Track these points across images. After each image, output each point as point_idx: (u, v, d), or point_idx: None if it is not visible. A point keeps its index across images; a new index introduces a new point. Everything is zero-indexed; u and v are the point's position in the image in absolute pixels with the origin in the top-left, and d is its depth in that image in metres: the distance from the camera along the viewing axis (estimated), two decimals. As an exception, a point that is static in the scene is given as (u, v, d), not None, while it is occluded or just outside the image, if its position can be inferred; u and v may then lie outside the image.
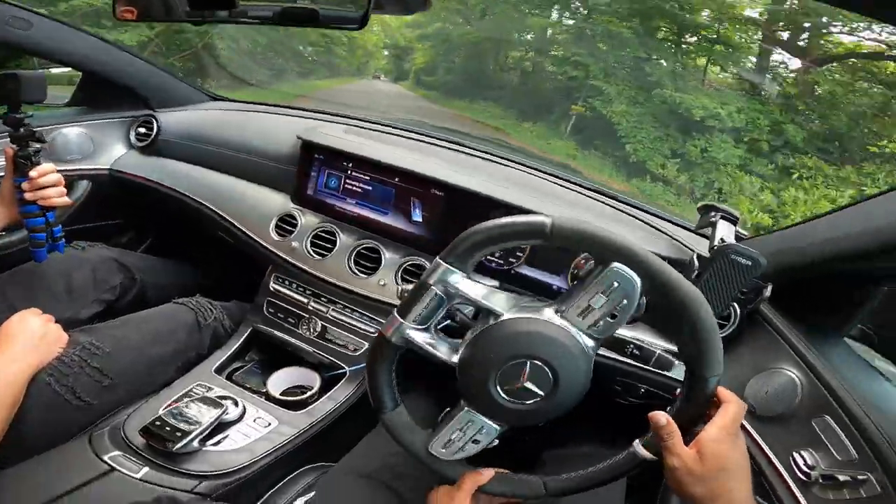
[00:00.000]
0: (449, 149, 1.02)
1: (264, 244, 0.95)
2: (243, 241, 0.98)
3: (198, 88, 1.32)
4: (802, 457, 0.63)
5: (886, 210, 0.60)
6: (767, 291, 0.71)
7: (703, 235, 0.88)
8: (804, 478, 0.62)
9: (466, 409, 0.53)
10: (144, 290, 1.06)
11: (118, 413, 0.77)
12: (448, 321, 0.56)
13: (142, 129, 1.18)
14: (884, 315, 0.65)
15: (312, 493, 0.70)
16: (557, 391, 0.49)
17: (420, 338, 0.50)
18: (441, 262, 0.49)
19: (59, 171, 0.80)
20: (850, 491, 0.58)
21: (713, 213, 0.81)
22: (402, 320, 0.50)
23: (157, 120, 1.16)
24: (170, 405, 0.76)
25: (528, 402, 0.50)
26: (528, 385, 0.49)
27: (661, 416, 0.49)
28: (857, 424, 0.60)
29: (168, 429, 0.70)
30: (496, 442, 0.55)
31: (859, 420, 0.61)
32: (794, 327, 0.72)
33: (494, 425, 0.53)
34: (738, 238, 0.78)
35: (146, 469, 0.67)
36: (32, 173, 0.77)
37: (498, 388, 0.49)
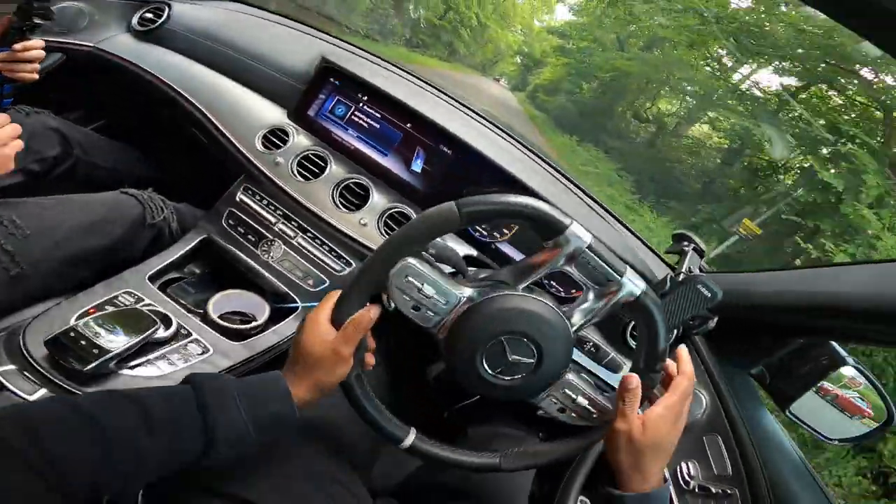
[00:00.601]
0: (477, 120, 0.99)
1: (245, 151, 0.86)
2: (220, 144, 0.88)
3: None
4: (688, 466, 0.71)
5: (827, 280, 0.69)
6: (713, 323, 0.75)
7: (667, 263, 0.92)
8: (684, 486, 0.70)
9: None
10: (76, 166, 0.92)
11: (16, 315, 0.64)
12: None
13: (149, 15, 1.07)
14: (782, 365, 0.76)
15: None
16: (542, 367, 0.50)
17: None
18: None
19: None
20: (716, 502, 0.67)
21: (686, 243, 0.86)
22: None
23: (170, 7, 1.06)
24: (87, 313, 0.63)
25: (515, 378, 0.50)
26: (516, 359, 0.49)
27: (634, 379, 0.51)
28: (740, 446, 0.70)
29: (83, 343, 0.57)
30: None
31: (742, 441, 0.70)
32: (716, 357, 0.80)
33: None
34: (701, 270, 0.85)
35: (42, 391, 0.54)
36: (17, 46, 0.70)
37: (485, 364, 0.49)
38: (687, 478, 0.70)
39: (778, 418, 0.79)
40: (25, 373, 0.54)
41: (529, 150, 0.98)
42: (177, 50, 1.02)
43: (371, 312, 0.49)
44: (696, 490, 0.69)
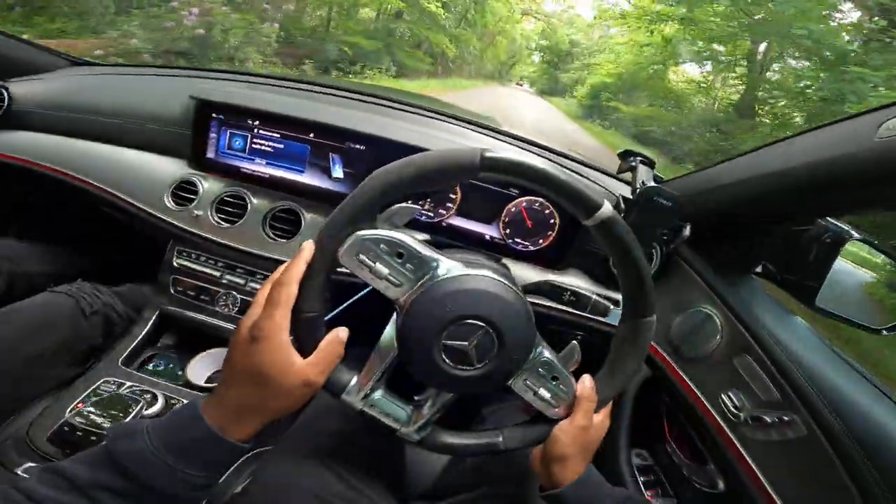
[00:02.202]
0: (370, 102, 0.95)
1: (159, 215, 0.83)
2: (134, 216, 0.85)
3: (60, 54, 1.12)
4: (730, 398, 0.65)
5: (784, 156, 0.62)
6: (686, 231, 0.74)
7: (623, 181, 0.92)
8: (733, 419, 0.64)
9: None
10: (13, 281, 0.89)
11: (14, 420, 0.67)
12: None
13: None
14: (786, 257, 0.70)
15: (248, 480, 0.65)
16: (503, 352, 0.46)
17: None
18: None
19: None
20: (777, 432, 0.60)
21: (632, 158, 0.83)
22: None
23: (6, 90, 0.96)
24: (75, 407, 0.66)
25: (477, 367, 0.47)
26: (472, 350, 0.46)
27: (588, 382, 0.52)
28: (777, 365, 0.61)
29: (80, 433, 0.62)
30: None
31: (778, 360, 0.61)
32: (709, 266, 0.75)
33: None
34: (657, 180, 0.80)
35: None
36: None
37: (443, 354, 0.46)
38: (734, 410, 0.64)
39: (807, 319, 0.68)
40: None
41: (448, 116, 0.95)
42: (40, 129, 0.95)
43: (340, 333, 0.46)
44: (749, 421, 0.62)
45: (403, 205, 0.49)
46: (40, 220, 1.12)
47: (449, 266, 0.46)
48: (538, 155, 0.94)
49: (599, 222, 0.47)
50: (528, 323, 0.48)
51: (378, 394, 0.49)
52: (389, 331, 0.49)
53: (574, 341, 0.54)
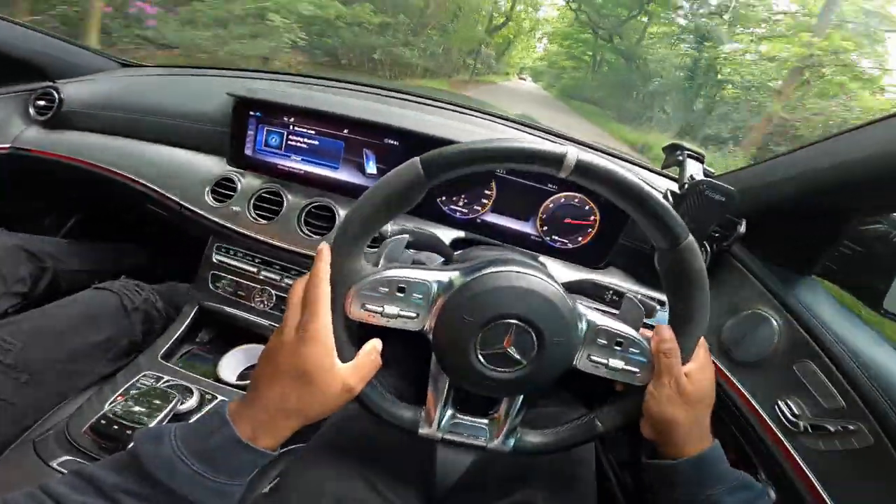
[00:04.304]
0: (401, 98, 0.95)
1: (201, 212, 0.85)
2: (176, 213, 0.87)
3: (107, 56, 1.16)
4: (788, 405, 0.60)
5: (851, 146, 0.57)
6: (742, 228, 0.69)
7: (669, 177, 0.87)
8: (791, 427, 0.59)
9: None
10: (58, 278, 0.93)
11: (56, 412, 0.69)
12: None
13: (41, 102, 1.02)
14: (850, 256, 0.64)
15: (275, 482, 0.65)
16: (543, 338, 0.44)
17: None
18: None
19: None
20: (841, 441, 0.55)
21: (679, 152, 0.78)
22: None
23: (58, 91, 1.01)
24: (115, 400, 0.68)
25: (523, 363, 0.45)
26: (511, 351, 0.44)
27: (667, 331, 0.47)
28: (842, 369, 0.56)
29: (117, 427, 0.62)
30: None
31: (843, 365, 0.56)
32: (765, 265, 0.69)
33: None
34: (707, 175, 0.75)
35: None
36: None
37: (485, 363, 0.45)
38: (792, 418, 0.59)
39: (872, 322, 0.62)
40: (80, 460, 0.61)
41: (476, 111, 0.93)
42: (87, 129, 0.99)
43: (377, 344, 0.46)
44: (809, 430, 0.57)
45: (392, 238, 0.49)
46: (85, 219, 1.17)
47: (450, 276, 0.45)
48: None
49: (678, 252, 0.44)
50: (555, 303, 0.45)
51: (449, 417, 0.49)
52: (433, 357, 0.48)
53: (629, 294, 0.50)
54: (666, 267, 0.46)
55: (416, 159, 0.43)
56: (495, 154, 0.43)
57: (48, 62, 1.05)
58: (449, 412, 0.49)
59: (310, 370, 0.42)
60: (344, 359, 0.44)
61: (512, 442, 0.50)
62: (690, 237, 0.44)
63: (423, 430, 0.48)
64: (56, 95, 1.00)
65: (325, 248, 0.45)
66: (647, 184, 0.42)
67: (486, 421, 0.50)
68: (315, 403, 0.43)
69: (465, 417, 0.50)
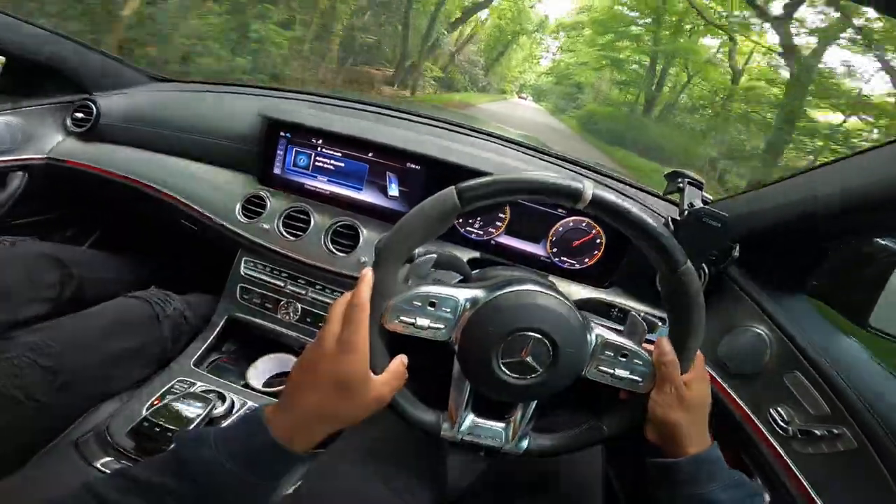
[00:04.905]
0: (425, 123, 1.00)
1: (232, 227, 0.90)
2: (208, 227, 0.92)
3: (141, 70, 1.21)
4: (779, 412, 0.66)
5: (838, 177, 0.64)
6: (736, 252, 0.75)
7: (672, 201, 0.94)
8: (782, 433, 0.64)
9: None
10: (83, 286, 0.97)
11: (91, 415, 0.73)
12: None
13: (79, 115, 1.07)
14: (837, 276, 0.70)
15: (299, 482, 0.69)
16: (557, 349, 0.50)
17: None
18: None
19: None
20: (827, 445, 0.60)
21: (680, 179, 0.84)
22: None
23: (95, 104, 1.05)
24: (153, 404, 0.73)
25: (540, 371, 0.50)
26: (529, 360, 0.49)
27: (667, 344, 0.52)
28: (827, 380, 0.62)
29: (158, 429, 0.67)
30: None
31: (828, 375, 0.62)
32: (758, 286, 0.75)
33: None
34: (704, 202, 0.81)
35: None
36: None
37: (506, 371, 0.50)
38: (783, 424, 0.64)
39: (859, 339, 0.68)
40: (121, 462, 0.65)
41: (497, 138, 0.99)
42: (122, 143, 1.03)
43: (404, 359, 0.51)
44: (798, 435, 0.63)
45: (420, 259, 0.55)
46: (115, 230, 1.21)
47: (476, 293, 0.51)
48: (583, 175, 0.96)
49: (677, 276, 0.49)
50: (568, 319, 0.50)
51: (469, 421, 0.54)
52: (457, 364, 0.54)
53: (633, 312, 0.56)
54: (666, 288, 0.52)
55: (452, 189, 0.49)
56: (523, 187, 0.49)
57: (85, 74, 1.09)
58: (469, 416, 0.54)
59: (349, 379, 0.45)
60: (376, 370, 0.48)
61: (525, 444, 0.55)
62: (688, 263, 0.49)
63: (445, 433, 0.54)
64: (94, 108, 1.04)
65: (368, 273, 0.50)
66: (651, 210, 0.48)
67: (502, 424, 0.55)
68: (350, 410, 0.46)
69: (483, 421, 0.55)
